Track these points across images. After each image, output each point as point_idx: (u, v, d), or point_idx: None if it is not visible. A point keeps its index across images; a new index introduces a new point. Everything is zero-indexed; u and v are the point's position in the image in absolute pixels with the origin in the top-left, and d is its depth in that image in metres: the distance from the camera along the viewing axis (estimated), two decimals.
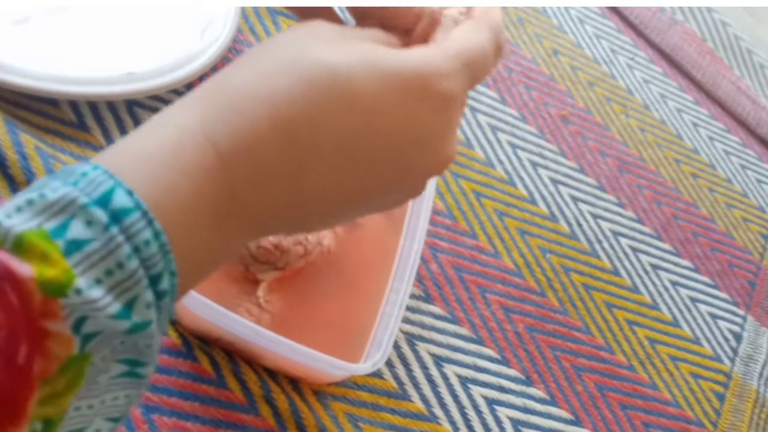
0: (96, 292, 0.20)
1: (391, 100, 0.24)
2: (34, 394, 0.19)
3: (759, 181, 0.77)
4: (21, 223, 0.20)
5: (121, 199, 0.21)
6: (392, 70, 0.24)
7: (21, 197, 0.20)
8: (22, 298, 0.19)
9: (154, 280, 0.22)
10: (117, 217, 0.21)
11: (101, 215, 0.20)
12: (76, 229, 0.20)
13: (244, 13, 0.57)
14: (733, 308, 0.67)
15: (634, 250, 0.65)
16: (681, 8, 0.83)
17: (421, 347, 0.51)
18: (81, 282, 0.20)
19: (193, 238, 0.23)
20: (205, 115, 0.24)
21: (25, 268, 0.19)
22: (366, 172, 0.25)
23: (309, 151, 0.24)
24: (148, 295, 0.21)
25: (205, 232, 0.23)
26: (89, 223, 0.20)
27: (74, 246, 0.20)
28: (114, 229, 0.20)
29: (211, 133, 0.23)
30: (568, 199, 0.64)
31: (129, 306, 0.21)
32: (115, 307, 0.20)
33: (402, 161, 0.25)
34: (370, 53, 0.24)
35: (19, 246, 0.19)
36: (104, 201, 0.21)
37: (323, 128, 0.24)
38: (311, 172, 0.24)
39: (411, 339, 0.51)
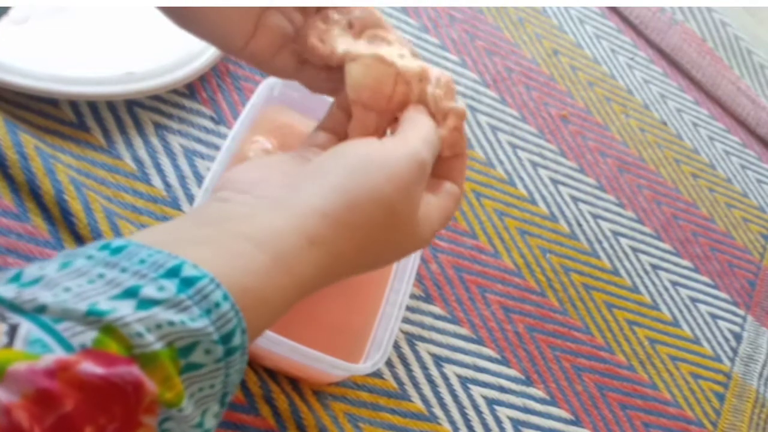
0: (189, 408, 0.24)
1: (415, 246, 0.34)
2: None
3: (759, 181, 0.77)
4: (157, 341, 0.22)
5: (237, 339, 0.25)
6: (424, 236, 0.33)
7: (162, 314, 0.23)
8: (139, 400, 0.22)
9: (224, 395, 0.26)
10: (228, 353, 0.25)
11: (220, 350, 0.24)
12: (198, 356, 0.24)
13: None
14: (733, 308, 0.67)
15: (634, 250, 0.65)
16: (681, 8, 0.83)
17: (421, 347, 0.51)
18: (185, 401, 0.23)
19: (255, 338, 0.28)
20: (319, 279, 0.29)
21: (151, 385, 0.22)
22: (397, 253, 0.34)
23: (368, 268, 0.33)
24: (217, 407, 0.26)
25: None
26: (208, 352, 0.24)
27: (191, 368, 0.24)
28: (222, 363, 0.24)
29: (319, 282, 0.29)
30: (568, 199, 0.64)
31: (203, 415, 0.25)
32: (196, 419, 0.24)
33: (416, 238, 0.34)
34: (424, 228, 0.33)
35: (152, 361, 0.22)
36: (226, 339, 0.24)
37: (383, 257, 0.33)
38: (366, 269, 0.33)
39: (411, 339, 0.51)
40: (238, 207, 0.29)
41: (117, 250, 0.24)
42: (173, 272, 0.24)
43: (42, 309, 0.22)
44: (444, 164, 0.36)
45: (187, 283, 0.24)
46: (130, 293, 0.23)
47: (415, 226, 0.33)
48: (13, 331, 0.21)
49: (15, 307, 0.22)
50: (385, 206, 0.30)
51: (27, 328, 0.21)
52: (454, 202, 0.36)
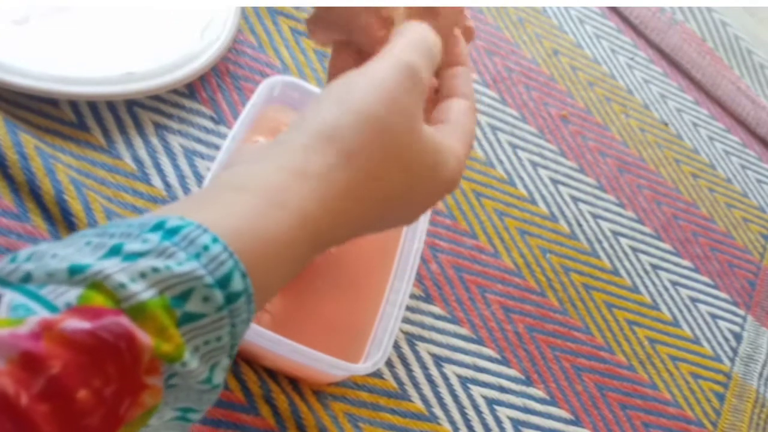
0: (194, 362, 0.22)
1: (433, 198, 0.32)
2: None
3: (759, 181, 0.77)
4: (144, 290, 0.21)
5: (236, 284, 0.23)
6: (443, 183, 0.31)
7: (144, 262, 0.21)
8: (135, 357, 0.21)
9: (232, 347, 0.24)
10: (230, 299, 0.23)
11: (219, 296, 0.22)
12: (194, 304, 0.22)
13: (244, 13, 0.57)
14: (733, 308, 0.67)
15: (634, 250, 0.65)
16: (681, 8, 0.83)
17: (421, 347, 0.51)
18: (187, 355, 0.22)
19: (267, 301, 0.26)
20: (320, 217, 0.27)
21: (144, 337, 0.21)
22: (405, 215, 0.32)
23: (369, 229, 0.31)
24: (226, 361, 0.24)
25: (277, 291, 0.27)
26: (206, 299, 0.22)
27: (189, 318, 0.22)
28: (225, 311, 0.23)
29: (322, 230, 0.27)
30: (568, 199, 0.64)
31: (212, 370, 0.23)
32: (205, 374, 0.23)
33: (422, 210, 0.33)
34: (438, 167, 0.31)
35: (141, 312, 0.21)
36: (224, 283, 0.23)
37: (387, 220, 0.31)
38: (370, 227, 0.31)
39: (411, 339, 0.51)
40: (228, 171, 0.28)
41: (109, 225, 0.24)
42: (158, 226, 0.23)
43: (27, 278, 0.21)
44: (447, 80, 0.33)
45: (172, 232, 0.23)
46: (114, 251, 0.22)
47: (426, 149, 0.29)
48: None
49: (0, 280, 0.21)
50: (373, 122, 0.27)
51: (10, 296, 0.20)
52: (470, 117, 0.33)
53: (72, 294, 0.20)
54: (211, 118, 0.52)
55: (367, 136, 0.27)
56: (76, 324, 0.20)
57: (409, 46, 0.30)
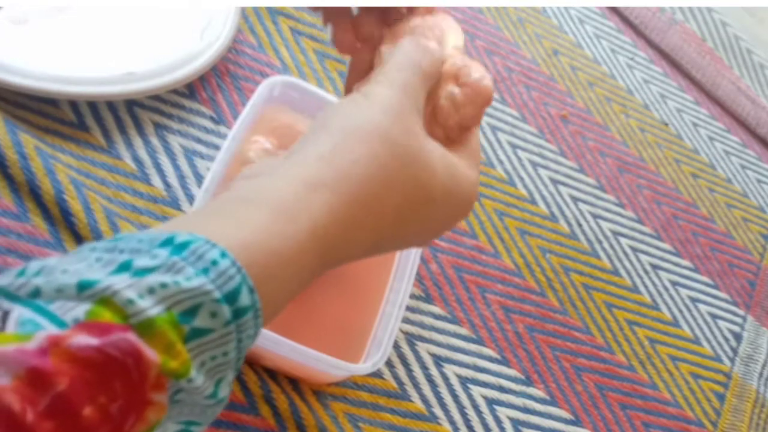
0: (200, 379, 0.22)
1: (450, 217, 0.33)
2: None
3: (759, 181, 0.77)
4: (152, 306, 0.21)
5: (244, 299, 0.23)
6: (460, 199, 0.32)
7: (153, 278, 0.21)
8: (142, 374, 0.21)
9: (237, 361, 0.24)
10: (237, 315, 0.23)
11: (226, 312, 0.22)
12: (202, 319, 0.22)
13: (244, 13, 0.57)
14: (733, 308, 0.67)
15: (634, 250, 0.65)
16: (681, 8, 0.83)
17: (421, 347, 0.51)
18: (193, 371, 0.22)
19: (274, 315, 0.26)
20: (330, 228, 0.27)
21: (151, 354, 0.21)
22: (420, 234, 0.33)
23: (381, 249, 0.31)
24: (232, 375, 0.24)
25: (285, 305, 0.27)
26: (214, 315, 0.22)
27: (196, 334, 0.22)
28: (232, 326, 0.23)
29: (331, 242, 0.27)
30: (568, 199, 0.64)
31: (217, 385, 0.23)
32: (210, 390, 0.23)
33: (430, 238, 0.34)
34: (453, 180, 0.31)
35: (149, 329, 0.21)
36: (231, 298, 0.23)
37: (401, 236, 0.31)
38: (375, 253, 0.31)
39: (411, 339, 0.51)
40: (239, 183, 0.28)
41: (118, 238, 0.23)
42: (167, 242, 0.23)
43: (36, 293, 0.21)
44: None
45: (181, 247, 0.23)
46: (124, 267, 0.22)
47: (433, 161, 0.30)
48: (4, 316, 0.20)
49: (9, 294, 0.21)
50: (376, 135, 0.29)
51: (18, 312, 0.20)
52: (473, 140, 0.34)
53: (80, 309, 0.20)
54: (211, 118, 0.52)
55: (376, 150, 0.28)
56: (84, 340, 0.20)
57: (397, 66, 0.31)
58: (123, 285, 0.21)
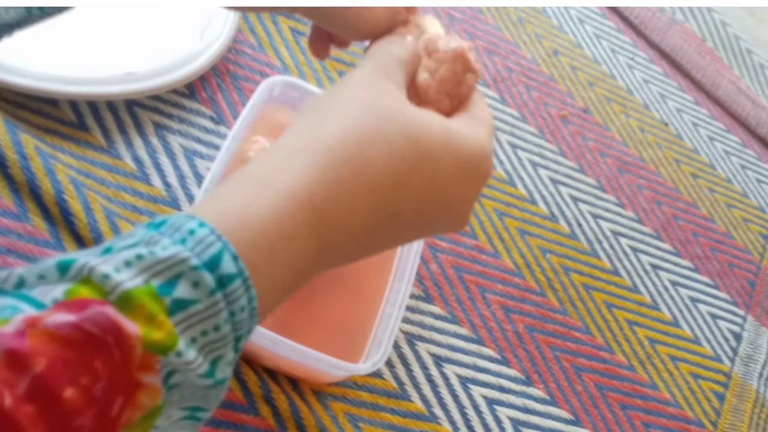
0: (192, 354, 0.21)
1: (459, 178, 0.30)
2: None
3: (759, 181, 0.77)
4: (130, 279, 0.20)
5: (227, 266, 0.22)
6: (464, 155, 0.30)
7: (130, 252, 0.21)
8: (125, 352, 0.20)
9: (237, 340, 0.23)
10: (222, 282, 0.22)
11: (209, 280, 0.22)
12: (183, 289, 0.21)
13: (243, 12, 0.57)
14: (733, 308, 0.67)
15: (634, 250, 0.65)
16: (681, 8, 0.83)
17: (421, 347, 0.51)
18: (181, 344, 0.21)
19: (276, 294, 0.25)
20: (312, 187, 0.26)
21: (132, 327, 0.20)
22: (425, 228, 0.31)
23: (389, 219, 0.29)
24: (231, 354, 0.23)
25: (287, 285, 0.26)
26: (196, 284, 0.21)
27: (179, 305, 0.21)
28: (218, 295, 0.22)
29: (319, 205, 0.26)
30: (568, 199, 0.64)
31: (214, 364, 0.22)
32: (205, 367, 0.22)
33: (452, 216, 0.32)
34: (450, 135, 0.30)
35: (128, 302, 0.20)
36: (212, 265, 0.22)
37: (406, 200, 0.29)
38: (385, 231, 0.29)
39: (411, 339, 0.51)
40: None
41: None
42: (148, 225, 0.23)
43: (20, 284, 0.21)
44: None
45: (159, 224, 0.23)
46: (106, 250, 0.22)
47: (418, 118, 0.29)
48: None
49: None
50: (350, 100, 0.29)
51: (1, 302, 0.20)
52: (481, 104, 0.33)
53: (59, 290, 0.20)
54: (211, 118, 0.52)
55: (349, 110, 0.28)
56: (61, 318, 0.19)
57: (372, 53, 0.32)
58: (97, 261, 0.21)
